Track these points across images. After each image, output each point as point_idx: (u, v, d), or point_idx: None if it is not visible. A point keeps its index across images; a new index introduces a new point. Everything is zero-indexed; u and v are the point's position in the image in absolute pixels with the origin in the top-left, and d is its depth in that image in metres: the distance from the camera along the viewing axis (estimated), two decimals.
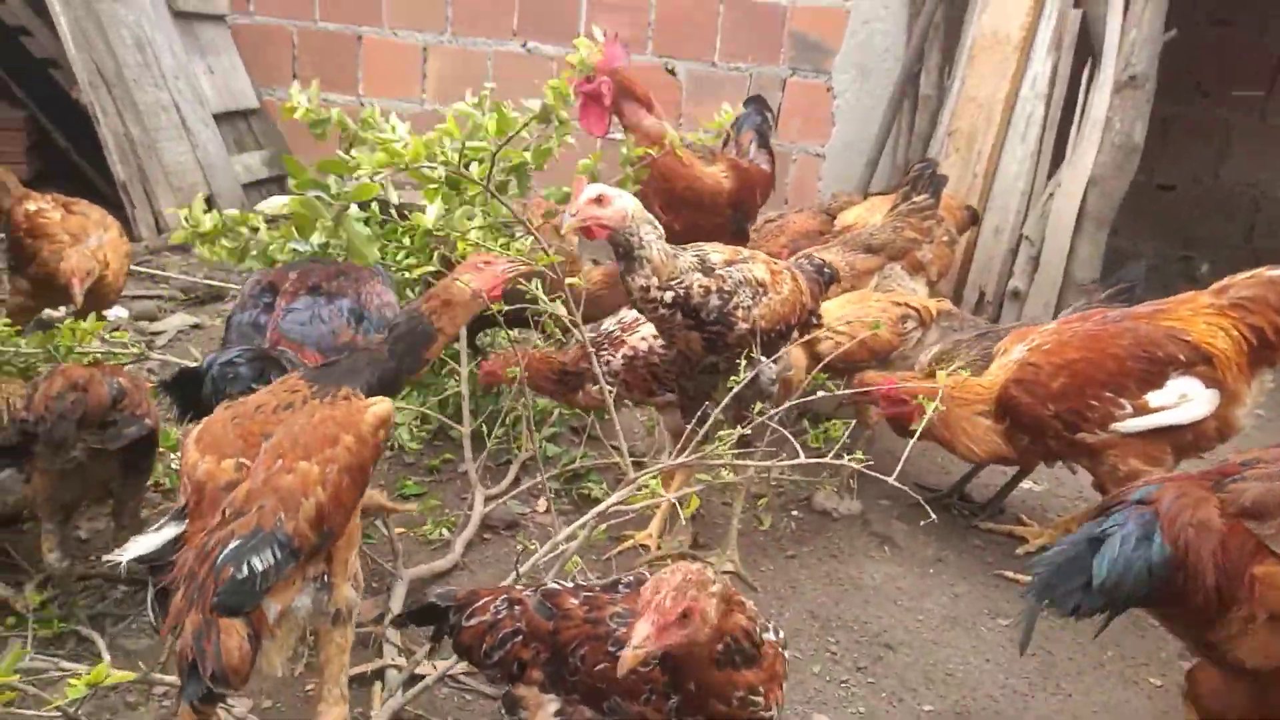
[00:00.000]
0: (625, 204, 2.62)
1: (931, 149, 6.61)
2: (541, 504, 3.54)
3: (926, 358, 3.55)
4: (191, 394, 2.27)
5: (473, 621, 1.85)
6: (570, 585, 1.91)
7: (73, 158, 6.56)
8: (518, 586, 1.91)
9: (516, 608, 1.83)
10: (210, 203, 3.46)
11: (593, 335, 3.36)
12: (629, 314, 3.35)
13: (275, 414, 1.97)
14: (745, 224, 5.02)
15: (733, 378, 2.66)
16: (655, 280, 2.68)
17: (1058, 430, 3.14)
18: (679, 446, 2.62)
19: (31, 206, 3.78)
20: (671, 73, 6.90)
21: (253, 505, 1.84)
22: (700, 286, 2.75)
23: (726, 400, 2.64)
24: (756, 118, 4.59)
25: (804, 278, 3.19)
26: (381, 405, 2.03)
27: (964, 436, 3.22)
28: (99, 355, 3.17)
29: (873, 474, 2.52)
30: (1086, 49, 5.62)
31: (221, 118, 6.85)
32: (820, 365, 3.35)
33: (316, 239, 3.31)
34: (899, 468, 2.48)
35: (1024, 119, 5.68)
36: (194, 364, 2.25)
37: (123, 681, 1.99)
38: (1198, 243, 7.34)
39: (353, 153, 2.79)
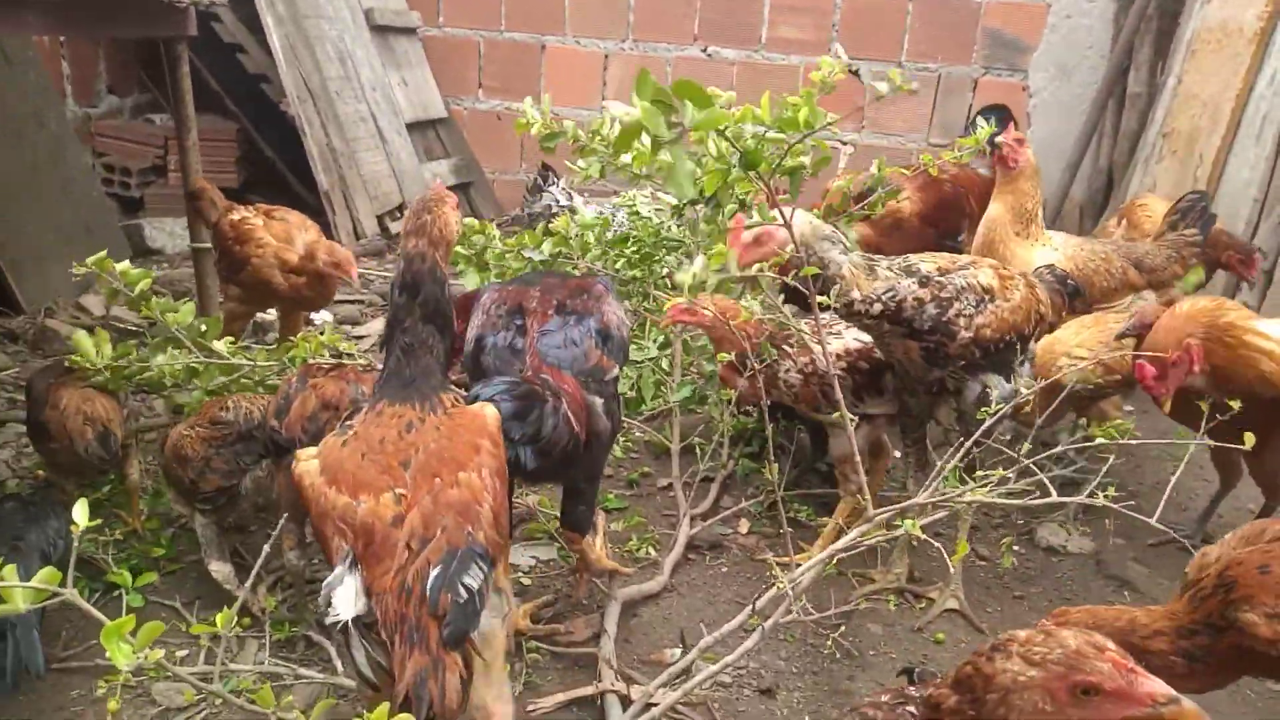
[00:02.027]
0: (783, 234, 2.47)
1: (1141, 150, 6.18)
2: (744, 525, 3.45)
3: None
4: None
5: (883, 698, 1.78)
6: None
7: (277, 167, 6.92)
8: (911, 688, 1.77)
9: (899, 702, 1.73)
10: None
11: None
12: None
13: (402, 438, 1.90)
14: (948, 239, 4.81)
15: (983, 409, 2.47)
16: (857, 293, 2.57)
17: None
18: (927, 482, 2.46)
19: (236, 216, 3.96)
20: (855, 74, 6.67)
21: (434, 528, 1.78)
22: (914, 299, 2.61)
23: (977, 434, 2.45)
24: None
25: (1043, 287, 2.97)
26: (490, 407, 2.02)
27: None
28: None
29: (1114, 507, 2.32)
30: None
31: (412, 127, 7.08)
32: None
33: (548, 248, 3.29)
34: (1161, 505, 2.32)
35: (1259, 119, 5.18)
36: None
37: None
38: None
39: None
